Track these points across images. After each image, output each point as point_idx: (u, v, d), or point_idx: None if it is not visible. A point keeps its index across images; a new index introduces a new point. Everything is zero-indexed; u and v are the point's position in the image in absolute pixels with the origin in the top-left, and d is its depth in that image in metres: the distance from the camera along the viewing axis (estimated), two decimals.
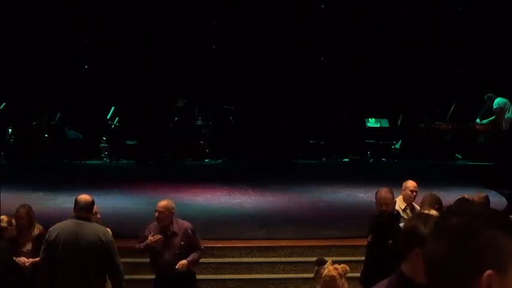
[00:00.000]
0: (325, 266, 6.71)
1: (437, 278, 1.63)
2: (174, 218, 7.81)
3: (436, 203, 7.66)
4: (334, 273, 6.36)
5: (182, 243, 7.74)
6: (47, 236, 6.75)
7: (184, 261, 7.69)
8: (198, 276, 8.54)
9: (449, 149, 17.15)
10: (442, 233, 1.63)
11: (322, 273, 6.63)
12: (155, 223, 7.83)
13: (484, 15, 17.84)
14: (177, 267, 7.63)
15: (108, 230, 6.99)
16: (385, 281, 3.08)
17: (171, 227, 7.76)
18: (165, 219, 7.71)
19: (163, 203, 7.81)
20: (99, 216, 7.90)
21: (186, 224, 7.90)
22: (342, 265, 6.57)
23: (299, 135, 17.74)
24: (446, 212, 1.69)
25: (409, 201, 8.72)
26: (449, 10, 18.44)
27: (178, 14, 18.23)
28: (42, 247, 6.72)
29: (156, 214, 7.74)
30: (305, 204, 12.54)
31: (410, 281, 3.02)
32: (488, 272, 1.54)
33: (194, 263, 7.94)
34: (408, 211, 8.62)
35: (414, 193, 8.75)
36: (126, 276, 7.72)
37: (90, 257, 6.54)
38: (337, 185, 14.01)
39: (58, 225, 6.78)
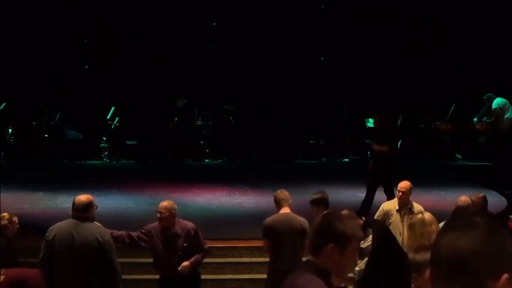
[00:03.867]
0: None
1: (450, 274, 1.58)
2: (176, 219, 7.69)
3: None
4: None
5: (185, 244, 7.60)
6: (46, 234, 6.76)
7: (186, 263, 7.57)
8: None
9: (449, 149, 17.14)
10: (461, 230, 1.59)
11: None
12: (157, 223, 7.72)
13: (484, 15, 17.83)
14: (179, 269, 7.51)
15: (106, 230, 6.95)
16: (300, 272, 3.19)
17: (173, 228, 7.63)
18: (166, 220, 7.59)
19: (164, 204, 7.69)
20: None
21: (189, 225, 7.74)
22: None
23: (299, 135, 17.74)
24: (464, 212, 1.66)
25: (400, 201, 8.66)
26: (449, 10, 18.43)
27: (178, 14, 18.23)
28: (42, 246, 6.73)
29: (158, 215, 7.64)
30: (305, 204, 12.51)
31: (325, 269, 3.13)
32: (506, 275, 1.51)
33: (197, 264, 7.79)
34: (404, 211, 8.57)
35: (400, 193, 8.67)
36: (126, 276, 7.72)
37: (86, 256, 6.52)
38: (337, 185, 13.98)
39: (57, 224, 6.78)
